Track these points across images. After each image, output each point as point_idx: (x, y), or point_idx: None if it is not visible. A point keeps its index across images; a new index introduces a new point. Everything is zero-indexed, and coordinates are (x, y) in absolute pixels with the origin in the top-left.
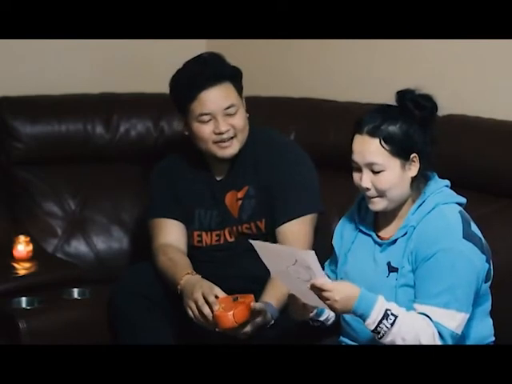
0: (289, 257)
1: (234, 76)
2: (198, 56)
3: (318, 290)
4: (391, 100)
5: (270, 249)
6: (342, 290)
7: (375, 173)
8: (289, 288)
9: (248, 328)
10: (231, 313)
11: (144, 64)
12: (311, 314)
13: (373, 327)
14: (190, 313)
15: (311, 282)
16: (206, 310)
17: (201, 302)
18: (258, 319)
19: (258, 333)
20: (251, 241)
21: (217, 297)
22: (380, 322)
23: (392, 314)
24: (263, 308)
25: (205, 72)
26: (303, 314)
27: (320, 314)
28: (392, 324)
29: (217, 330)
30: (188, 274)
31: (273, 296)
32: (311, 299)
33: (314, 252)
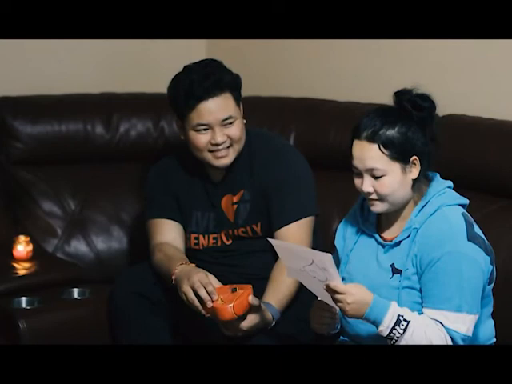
0: (306, 257)
1: (233, 86)
2: (199, 62)
3: (331, 292)
4: (391, 100)
5: (288, 248)
6: (354, 294)
7: (376, 178)
8: (305, 285)
9: (247, 323)
10: (231, 305)
11: (144, 64)
12: (332, 331)
13: (386, 333)
14: (185, 298)
15: (326, 284)
16: (203, 292)
17: (197, 284)
18: (258, 317)
19: (258, 335)
20: (269, 239)
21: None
22: (393, 328)
23: (404, 320)
24: (259, 303)
25: (204, 82)
26: (325, 328)
27: (337, 327)
28: (404, 330)
29: (209, 315)
30: (182, 264)
31: (274, 297)
32: (326, 298)
33: (330, 255)
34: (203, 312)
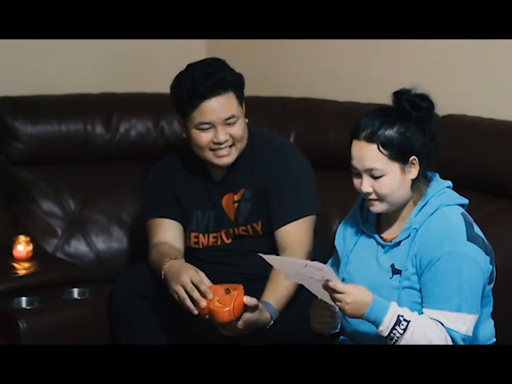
0: (299, 262)
1: (236, 85)
2: (202, 61)
3: (330, 291)
4: (390, 100)
5: (280, 260)
6: (354, 294)
7: (375, 178)
8: (304, 285)
9: (244, 322)
10: (230, 308)
11: (144, 64)
12: (332, 331)
13: (386, 333)
14: (176, 297)
15: (324, 282)
16: (196, 294)
17: (189, 286)
18: (255, 316)
19: (258, 334)
20: (260, 254)
21: None
22: (393, 328)
23: (404, 320)
24: (256, 302)
25: (207, 81)
26: (324, 327)
27: (337, 326)
28: (404, 330)
29: (207, 317)
30: (172, 259)
31: (272, 296)
32: (326, 297)
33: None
34: (195, 312)
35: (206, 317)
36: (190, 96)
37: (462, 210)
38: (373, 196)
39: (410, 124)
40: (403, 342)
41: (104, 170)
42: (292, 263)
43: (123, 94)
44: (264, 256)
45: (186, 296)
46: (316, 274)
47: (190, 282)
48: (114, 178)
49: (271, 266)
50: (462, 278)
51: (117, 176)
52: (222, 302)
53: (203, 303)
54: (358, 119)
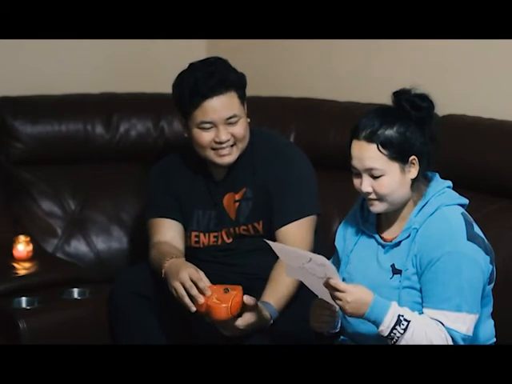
0: (303, 256)
1: (238, 85)
2: (204, 60)
3: (331, 289)
4: (390, 100)
5: (285, 249)
6: (354, 293)
7: (375, 177)
8: (305, 284)
9: (243, 322)
10: (227, 305)
11: (144, 64)
12: (332, 331)
13: (386, 333)
14: (175, 293)
15: (325, 280)
16: (194, 291)
17: (188, 284)
18: (255, 315)
19: (258, 334)
20: (266, 240)
21: None
22: (393, 328)
23: (405, 320)
24: (255, 302)
25: (209, 80)
26: (324, 326)
27: (337, 326)
28: (405, 329)
29: (206, 319)
30: (172, 258)
31: (272, 296)
32: (326, 296)
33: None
34: (193, 309)
35: (206, 319)
36: (191, 95)
37: (462, 209)
38: (373, 196)
39: (410, 124)
40: (403, 341)
41: (104, 170)
42: (296, 254)
43: (123, 93)
44: (270, 243)
45: (184, 293)
46: (318, 271)
47: (189, 280)
48: (114, 178)
49: (275, 258)
50: (462, 278)
51: (117, 176)
52: (220, 299)
53: (201, 299)
54: (358, 119)
